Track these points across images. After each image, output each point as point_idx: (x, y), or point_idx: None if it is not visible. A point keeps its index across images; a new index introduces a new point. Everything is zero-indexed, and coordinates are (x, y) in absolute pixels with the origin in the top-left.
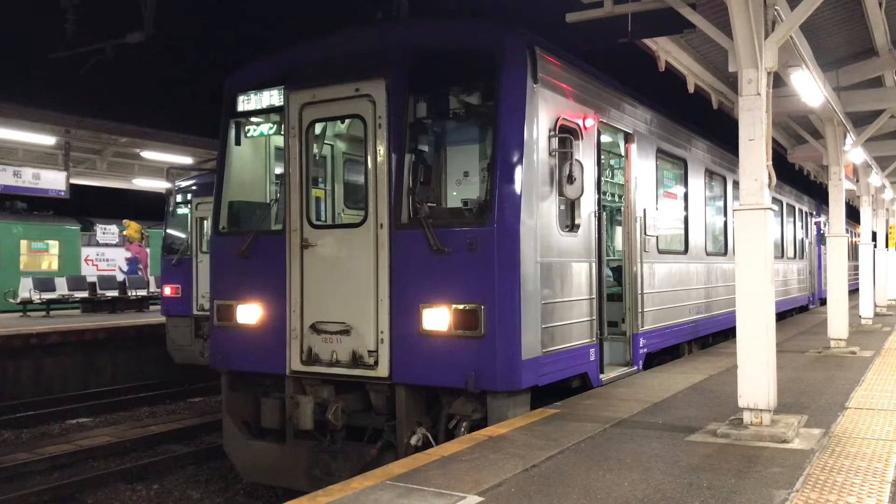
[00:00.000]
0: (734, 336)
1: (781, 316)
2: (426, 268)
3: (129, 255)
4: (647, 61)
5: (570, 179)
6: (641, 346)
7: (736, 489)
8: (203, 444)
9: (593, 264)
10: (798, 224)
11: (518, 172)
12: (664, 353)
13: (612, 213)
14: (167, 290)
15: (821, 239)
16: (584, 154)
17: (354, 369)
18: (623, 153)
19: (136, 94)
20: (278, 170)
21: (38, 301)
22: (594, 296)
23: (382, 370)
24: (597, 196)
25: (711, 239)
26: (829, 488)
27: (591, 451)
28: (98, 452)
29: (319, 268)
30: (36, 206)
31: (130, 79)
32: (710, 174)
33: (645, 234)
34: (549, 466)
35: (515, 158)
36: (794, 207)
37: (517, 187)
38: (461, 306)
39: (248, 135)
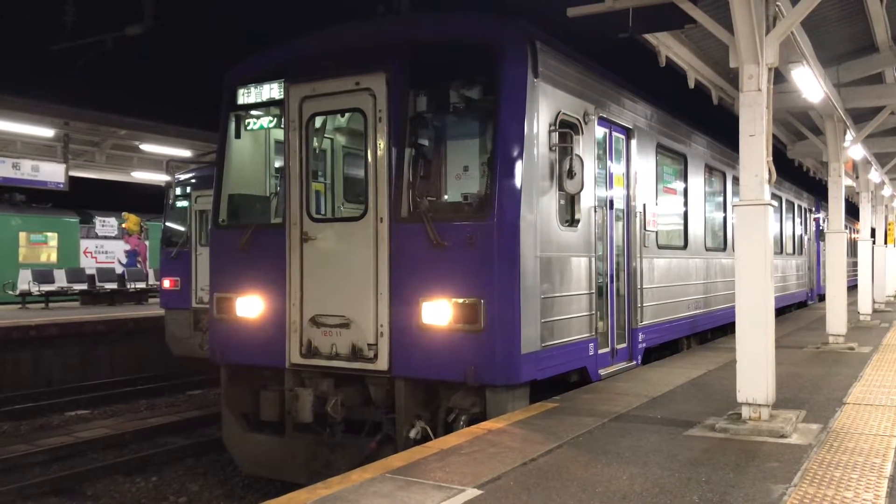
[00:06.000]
0: (733, 331)
1: (780, 311)
2: (426, 262)
3: (128, 247)
4: (648, 56)
5: (571, 174)
6: (640, 340)
7: (734, 483)
8: (202, 437)
9: (593, 259)
10: (797, 220)
11: (518, 167)
12: (663, 348)
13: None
14: (166, 283)
15: (820, 235)
16: (584, 149)
17: (354, 362)
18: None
19: (136, 87)
20: (278, 163)
21: (37, 293)
22: (593, 290)
23: (382, 363)
24: (597, 191)
25: (711, 234)
26: (827, 483)
27: (590, 444)
28: (97, 444)
29: (319, 261)
30: (35, 199)
31: (130, 71)
32: (709, 170)
33: (644, 229)
34: (547, 460)
35: (515, 153)
36: (793, 203)
37: (517, 182)
38: (461, 300)
39: (248, 128)
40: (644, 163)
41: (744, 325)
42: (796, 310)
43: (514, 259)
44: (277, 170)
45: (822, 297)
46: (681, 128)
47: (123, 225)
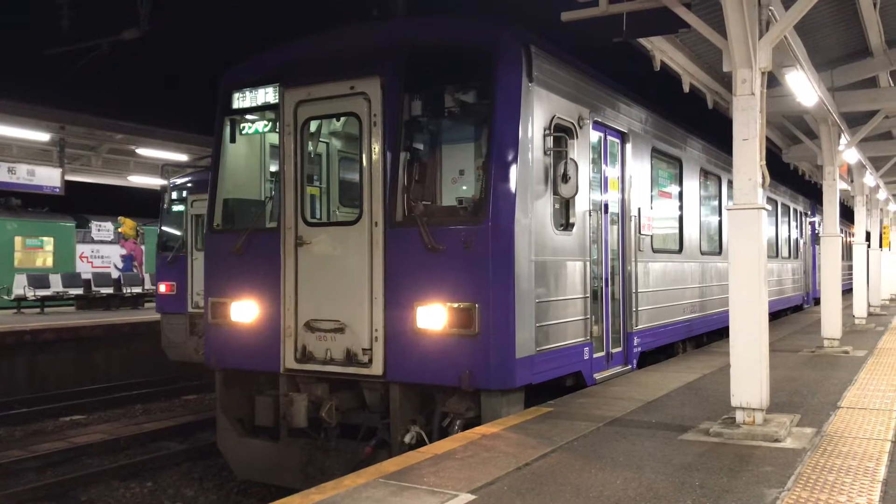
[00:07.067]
0: (728, 335)
1: (776, 315)
2: (421, 266)
3: (124, 252)
4: (643, 61)
5: (565, 178)
6: (636, 344)
7: (728, 488)
8: (197, 442)
9: (588, 263)
10: (792, 224)
11: (513, 171)
12: (658, 352)
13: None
14: (162, 288)
15: (815, 239)
16: (579, 153)
17: (348, 367)
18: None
19: (132, 91)
20: (273, 167)
21: (33, 298)
22: (588, 294)
23: (376, 368)
24: (592, 195)
25: (706, 238)
26: (821, 487)
27: (584, 449)
28: (92, 450)
29: (314, 266)
30: (31, 203)
31: (126, 75)
32: (704, 173)
33: (639, 233)
34: (541, 465)
35: (510, 157)
36: (788, 207)
37: (512, 186)
38: (455, 304)
39: (243, 132)
40: (639, 167)
41: (738, 329)
42: (792, 313)
43: (509, 263)
44: (272, 174)
45: (817, 301)
46: (676, 132)
47: (119, 229)
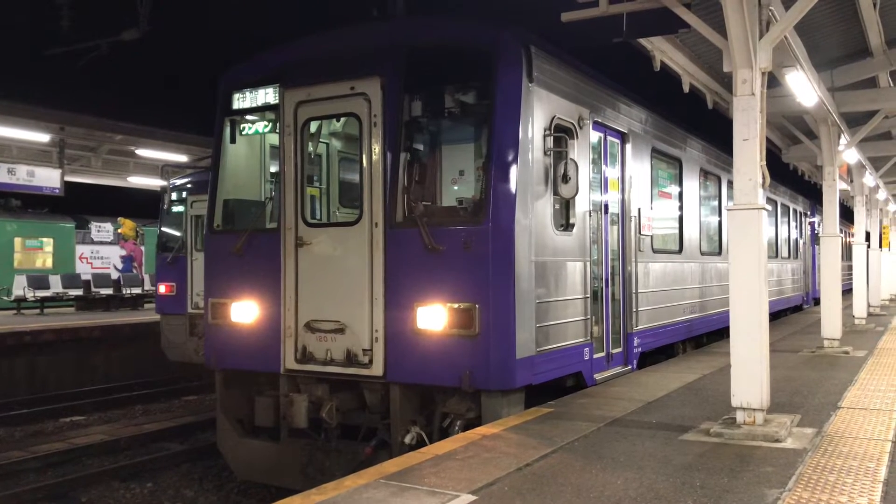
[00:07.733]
0: (728, 336)
1: (776, 315)
2: (421, 266)
3: (123, 252)
4: (643, 61)
5: (565, 179)
6: (636, 345)
7: (728, 488)
8: (197, 443)
9: (588, 263)
10: (792, 224)
11: (513, 171)
12: (658, 353)
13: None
14: (162, 288)
15: (815, 239)
16: (579, 153)
17: (349, 368)
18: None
19: (132, 91)
20: (273, 168)
21: (33, 299)
22: (588, 295)
23: (377, 369)
24: (592, 196)
25: (706, 238)
26: (822, 487)
27: (585, 449)
28: (92, 450)
29: (314, 266)
30: (30, 204)
31: (125, 76)
32: (704, 174)
33: (639, 233)
34: (542, 465)
35: (510, 157)
36: (788, 207)
37: (512, 186)
38: (456, 305)
39: (243, 133)
40: (639, 167)
41: (738, 329)
42: (792, 314)
43: (509, 264)
44: (272, 174)
45: (817, 301)
46: (676, 132)
47: (119, 230)
